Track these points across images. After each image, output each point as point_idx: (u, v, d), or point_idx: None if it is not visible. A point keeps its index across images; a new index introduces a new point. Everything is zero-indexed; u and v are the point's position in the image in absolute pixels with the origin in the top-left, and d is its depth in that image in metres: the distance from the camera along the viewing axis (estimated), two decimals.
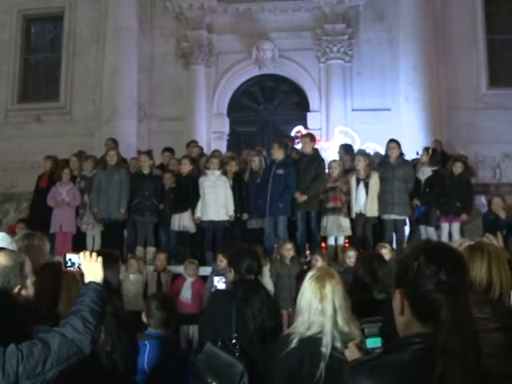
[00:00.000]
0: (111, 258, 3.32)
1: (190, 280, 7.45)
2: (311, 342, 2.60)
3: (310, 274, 2.77)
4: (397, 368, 1.42)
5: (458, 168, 8.49)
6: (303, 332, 2.63)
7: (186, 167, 8.45)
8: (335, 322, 2.60)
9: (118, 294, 3.32)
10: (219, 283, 4.01)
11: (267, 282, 6.91)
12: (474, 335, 1.42)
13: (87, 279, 2.35)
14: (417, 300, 1.48)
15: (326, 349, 2.56)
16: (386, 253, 6.97)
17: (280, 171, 8.06)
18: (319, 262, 6.70)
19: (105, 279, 2.80)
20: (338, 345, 2.56)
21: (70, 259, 2.45)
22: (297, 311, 2.74)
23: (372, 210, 8.09)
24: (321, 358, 2.57)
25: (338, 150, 9.96)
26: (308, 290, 2.68)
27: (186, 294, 7.35)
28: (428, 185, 8.21)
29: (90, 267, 2.37)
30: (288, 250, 7.21)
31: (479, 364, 1.40)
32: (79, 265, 2.42)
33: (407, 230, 8.49)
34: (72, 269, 2.46)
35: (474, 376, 1.37)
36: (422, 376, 1.38)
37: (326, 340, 2.58)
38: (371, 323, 2.09)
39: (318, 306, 2.62)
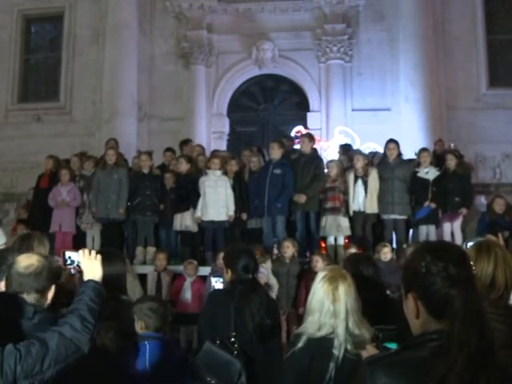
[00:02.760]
0: (116, 256, 3.35)
1: (189, 280, 7.45)
2: (322, 343, 2.58)
3: (321, 274, 2.73)
4: (415, 364, 1.44)
5: (451, 161, 8.28)
6: (313, 333, 2.61)
7: (183, 166, 8.45)
8: (346, 325, 2.58)
9: (124, 291, 3.34)
10: (217, 283, 4.00)
11: (273, 279, 6.91)
12: (487, 324, 1.44)
13: (86, 277, 2.35)
14: (430, 299, 1.51)
15: (338, 351, 2.55)
16: (386, 252, 7.00)
17: (277, 171, 8.08)
18: (319, 262, 6.70)
19: (113, 277, 2.94)
20: (349, 347, 2.56)
21: (69, 257, 2.46)
22: (307, 311, 2.71)
23: (372, 207, 8.08)
24: (331, 359, 2.55)
25: (338, 150, 9.97)
26: (320, 291, 2.65)
27: (186, 293, 7.35)
28: (436, 184, 8.17)
29: (90, 265, 2.37)
30: (286, 248, 7.21)
31: (493, 355, 1.41)
32: (78, 263, 2.42)
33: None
34: (71, 267, 2.45)
35: (487, 368, 1.39)
36: (439, 372, 1.39)
37: (339, 342, 2.56)
38: (386, 330, 2.09)
39: (330, 308, 2.60)
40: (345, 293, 2.61)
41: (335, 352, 2.55)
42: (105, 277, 2.96)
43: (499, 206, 7.89)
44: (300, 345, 2.61)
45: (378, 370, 1.46)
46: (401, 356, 1.49)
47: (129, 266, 7.61)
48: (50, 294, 2.38)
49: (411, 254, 1.63)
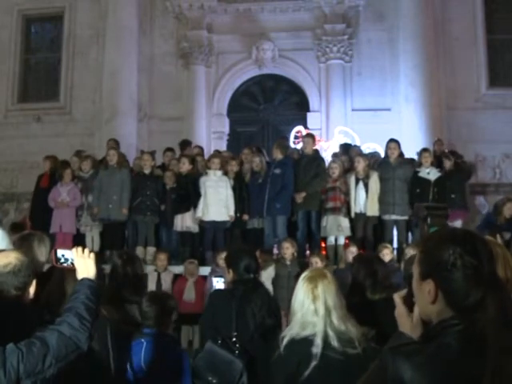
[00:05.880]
0: (132, 258, 3.49)
1: (192, 280, 7.44)
2: (305, 343, 2.57)
3: (302, 275, 2.76)
4: (440, 352, 1.37)
5: (446, 164, 8.56)
6: (297, 332, 2.61)
7: (185, 166, 8.45)
8: (330, 322, 2.57)
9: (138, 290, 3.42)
10: (218, 283, 4.01)
11: (270, 287, 6.90)
12: None
13: (80, 275, 2.34)
14: (453, 293, 1.43)
15: (316, 349, 2.53)
16: (387, 253, 6.99)
17: (277, 171, 8.11)
18: (319, 264, 6.68)
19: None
20: (336, 344, 2.53)
21: (62, 255, 2.44)
22: (291, 313, 2.72)
23: (372, 210, 8.10)
24: (311, 357, 2.54)
25: (338, 150, 9.97)
26: (301, 291, 2.67)
27: (190, 294, 7.32)
28: (437, 185, 8.19)
29: (83, 263, 2.36)
30: (286, 249, 7.19)
31: None
32: (72, 261, 2.41)
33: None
34: (65, 265, 2.44)
35: None
36: (466, 360, 1.34)
37: (317, 340, 2.55)
38: (435, 216, 2.01)
39: (310, 307, 2.60)
40: (323, 291, 2.61)
41: (314, 350, 2.53)
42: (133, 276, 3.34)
43: (510, 211, 7.83)
44: (282, 346, 2.60)
45: (400, 357, 1.39)
46: (424, 345, 1.42)
47: None
48: (32, 289, 2.39)
49: (437, 240, 1.51)
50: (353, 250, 7.01)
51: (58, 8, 13.30)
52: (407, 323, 1.60)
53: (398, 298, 1.65)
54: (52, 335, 2.08)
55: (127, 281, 3.38)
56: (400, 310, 1.64)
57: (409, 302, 1.61)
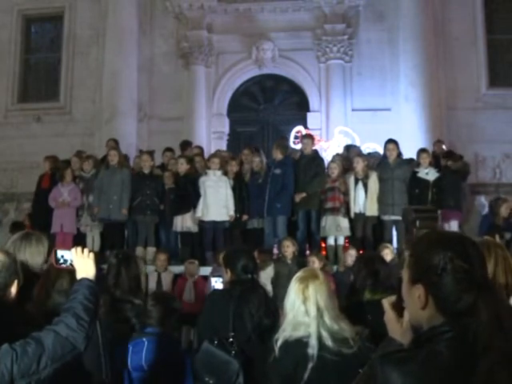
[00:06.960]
0: (127, 258, 3.47)
1: (191, 280, 7.44)
2: (300, 345, 2.57)
3: (295, 275, 2.76)
4: (430, 359, 1.34)
5: (443, 162, 8.68)
6: (291, 334, 2.60)
7: (183, 166, 8.46)
8: (323, 322, 2.56)
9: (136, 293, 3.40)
10: (217, 283, 4.02)
11: (269, 286, 6.88)
12: None
13: (79, 275, 2.34)
14: (445, 298, 1.40)
15: (312, 350, 2.53)
16: (387, 253, 6.97)
17: (277, 171, 8.12)
18: (316, 263, 6.66)
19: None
20: (330, 344, 2.52)
21: (62, 256, 2.43)
22: (283, 314, 2.72)
23: (372, 210, 8.11)
24: (308, 359, 2.53)
25: (342, 151, 9.97)
26: (292, 292, 2.68)
27: (190, 294, 7.32)
28: (436, 185, 8.20)
29: (83, 263, 2.36)
30: (286, 247, 7.16)
31: None
32: (71, 261, 2.41)
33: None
34: (64, 265, 2.44)
35: None
36: (457, 367, 1.32)
37: (312, 341, 2.54)
38: (424, 219, 2.01)
39: (300, 307, 2.60)
40: (315, 291, 2.61)
41: (310, 351, 2.52)
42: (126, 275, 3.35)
43: (507, 210, 7.84)
44: (277, 348, 2.60)
45: (389, 365, 1.36)
46: (414, 352, 1.39)
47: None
48: (14, 290, 2.36)
49: (425, 243, 1.47)
50: (352, 253, 7.00)
51: (57, 8, 13.30)
52: (397, 329, 1.57)
53: (387, 303, 1.62)
54: (48, 335, 2.07)
55: (120, 280, 3.37)
56: (389, 315, 1.60)
57: (398, 307, 1.57)
